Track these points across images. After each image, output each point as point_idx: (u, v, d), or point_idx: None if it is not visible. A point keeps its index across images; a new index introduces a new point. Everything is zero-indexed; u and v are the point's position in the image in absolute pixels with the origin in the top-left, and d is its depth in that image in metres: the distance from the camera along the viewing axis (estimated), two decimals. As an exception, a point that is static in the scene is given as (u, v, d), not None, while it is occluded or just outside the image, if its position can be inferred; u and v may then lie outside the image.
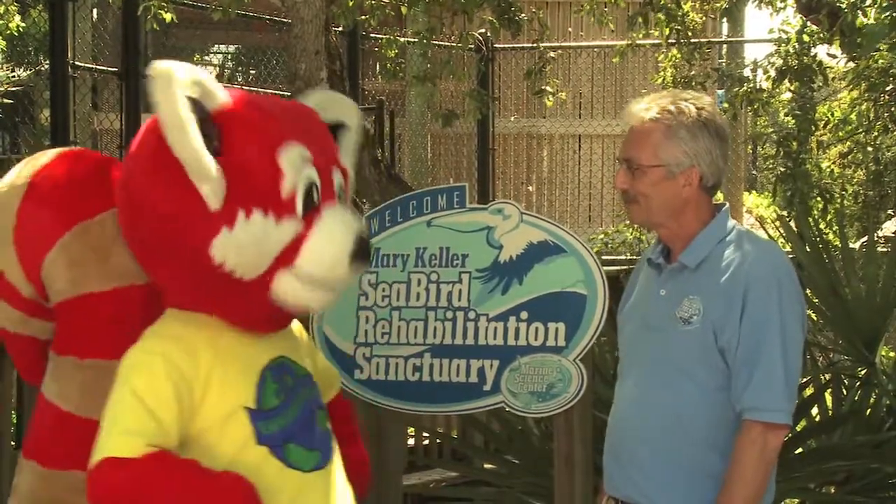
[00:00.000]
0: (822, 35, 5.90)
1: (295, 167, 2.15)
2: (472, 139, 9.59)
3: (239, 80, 12.64)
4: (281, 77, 8.88)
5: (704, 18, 7.37)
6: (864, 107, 7.47)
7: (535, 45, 6.39)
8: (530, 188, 11.64)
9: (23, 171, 2.40)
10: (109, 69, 6.80)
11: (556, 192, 11.75)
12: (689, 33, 6.80)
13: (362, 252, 2.17)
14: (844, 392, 4.27)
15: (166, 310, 2.27)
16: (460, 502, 4.25)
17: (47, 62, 6.29)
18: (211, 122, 2.14)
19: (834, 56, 6.47)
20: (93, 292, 2.33)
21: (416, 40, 6.05)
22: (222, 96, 2.17)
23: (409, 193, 3.58)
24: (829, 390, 4.34)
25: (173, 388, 2.11)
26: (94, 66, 6.95)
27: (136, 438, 2.06)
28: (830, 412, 4.26)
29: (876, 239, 4.56)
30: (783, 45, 6.71)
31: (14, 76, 9.51)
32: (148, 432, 2.07)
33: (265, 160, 2.14)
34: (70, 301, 2.35)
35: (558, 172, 11.71)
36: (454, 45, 7.36)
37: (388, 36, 6.15)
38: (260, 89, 8.11)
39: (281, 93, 7.74)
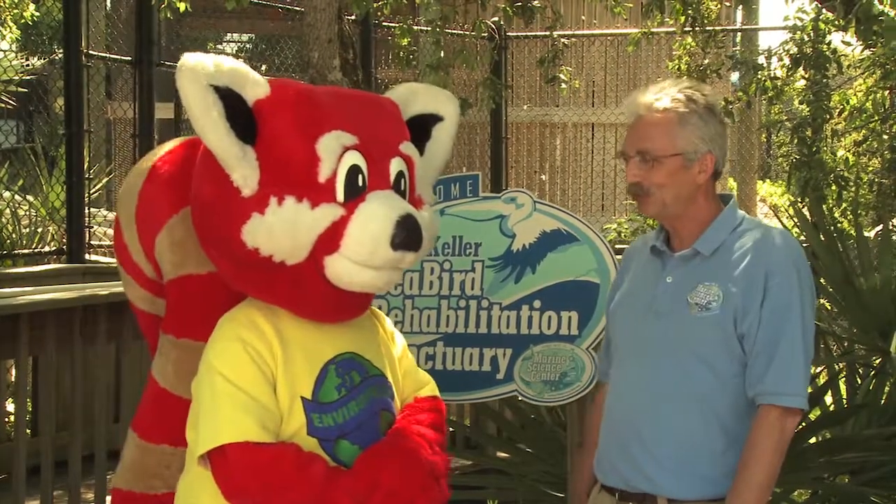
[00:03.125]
0: (837, 22, 5.86)
1: (333, 153, 2.14)
2: (485, 128, 9.58)
3: (260, 68, 12.63)
4: (294, 66, 8.87)
5: (719, 6, 7.33)
6: (879, 95, 7.43)
7: (548, 33, 6.37)
8: (543, 177, 11.63)
9: (151, 155, 2.49)
10: (123, 58, 6.81)
11: (569, 181, 11.73)
12: (704, 21, 6.77)
13: (404, 236, 2.14)
14: (859, 381, 4.26)
15: (247, 298, 2.29)
16: (473, 490, 4.25)
17: (61, 51, 6.30)
18: (248, 112, 2.15)
19: (849, 44, 6.42)
20: (191, 274, 2.38)
21: (429, 29, 6.04)
22: (260, 86, 2.18)
23: (422, 182, 3.58)
24: (843, 379, 4.33)
25: (259, 370, 2.14)
26: (107, 56, 6.96)
27: (248, 420, 2.09)
28: (845, 402, 4.25)
29: (891, 228, 4.54)
30: (798, 32, 6.67)
31: (28, 65, 9.53)
32: (254, 413, 2.11)
33: (300, 147, 2.14)
34: (173, 281, 2.40)
35: (571, 161, 11.70)
36: (467, 33, 7.35)
37: (401, 24, 6.14)
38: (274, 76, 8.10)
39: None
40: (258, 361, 2.15)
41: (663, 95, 2.46)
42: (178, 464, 2.32)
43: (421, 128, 2.45)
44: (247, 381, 2.13)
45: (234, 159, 2.12)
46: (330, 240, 2.14)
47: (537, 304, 3.26)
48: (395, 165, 2.25)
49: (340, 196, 2.15)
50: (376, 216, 2.14)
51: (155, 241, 2.40)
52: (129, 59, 6.57)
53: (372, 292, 2.29)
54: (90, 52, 6.20)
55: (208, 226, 2.23)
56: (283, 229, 2.12)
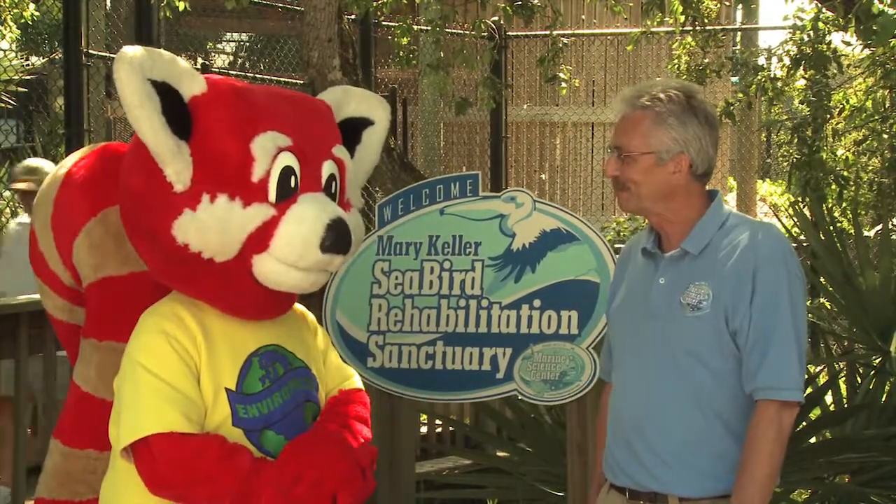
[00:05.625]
0: (837, 22, 5.86)
1: (267, 153, 2.17)
2: (484, 127, 9.57)
3: (259, 67, 12.64)
4: (294, 65, 8.87)
5: (719, 5, 7.33)
6: (879, 94, 7.43)
7: (547, 32, 6.37)
8: (543, 176, 11.63)
9: (65, 162, 2.51)
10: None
11: (569, 181, 11.73)
12: (704, 20, 6.77)
13: (334, 239, 2.18)
14: (859, 381, 4.26)
15: (171, 293, 2.30)
16: (473, 489, 4.25)
17: (61, 50, 6.30)
18: (185, 107, 2.17)
19: (849, 43, 6.42)
20: (111, 276, 2.40)
21: (428, 28, 6.04)
22: (198, 82, 2.20)
23: (422, 181, 3.58)
24: (843, 379, 4.34)
25: (182, 362, 2.17)
26: (107, 55, 6.95)
27: (172, 411, 2.11)
28: (845, 402, 4.25)
29: (891, 227, 4.54)
30: (798, 32, 6.67)
31: (28, 65, 9.53)
32: (178, 404, 2.12)
33: (235, 145, 2.17)
34: (92, 285, 2.42)
35: (571, 160, 11.70)
36: (467, 32, 7.35)
37: (400, 24, 6.14)
38: (272, 78, 8.11)
39: (294, 81, 7.76)
40: (181, 353, 2.17)
41: (645, 93, 2.48)
42: (103, 468, 2.33)
43: (352, 131, 2.49)
44: (170, 373, 2.14)
45: (169, 154, 2.13)
46: (260, 239, 2.17)
47: (537, 303, 3.26)
48: (328, 168, 2.28)
49: (272, 196, 2.18)
50: (307, 218, 2.17)
51: (73, 246, 2.42)
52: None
53: (297, 292, 2.32)
54: (90, 51, 6.19)
55: (138, 218, 2.24)
56: (214, 227, 2.14)
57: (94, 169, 2.44)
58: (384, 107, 2.57)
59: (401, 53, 6.04)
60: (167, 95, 2.15)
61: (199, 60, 8.29)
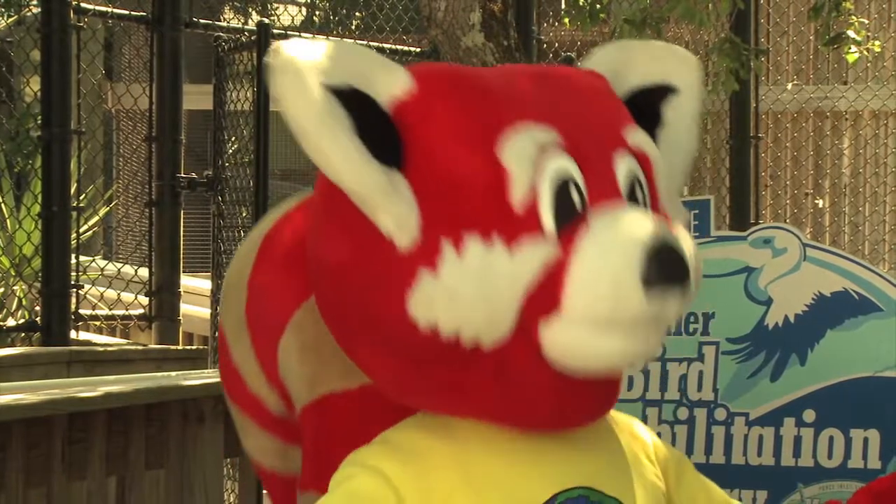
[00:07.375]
0: None
1: (527, 159, 2.16)
2: (720, 121, 9.55)
3: (347, 27, 12.90)
4: (404, 24, 9.03)
5: None
6: None
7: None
8: (820, 202, 11.53)
9: (260, 226, 2.63)
10: (133, 14, 7.01)
11: (866, 209, 11.59)
12: None
13: (662, 263, 2.13)
14: None
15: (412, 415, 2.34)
16: None
17: (36, 3, 6.53)
18: (384, 119, 2.21)
19: None
20: (332, 392, 2.46)
21: (627, -41, 6.10)
22: (398, 78, 2.24)
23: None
24: None
25: None
26: (109, 10, 7.17)
27: None
28: None
29: None
30: None
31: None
32: None
33: (475, 157, 2.18)
34: (307, 408, 2.50)
35: (869, 175, 11.58)
36: (690, -35, 7.38)
37: (581, -47, 6.21)
38: (369, 44, 8.24)
39: (405, 49, 7.88)
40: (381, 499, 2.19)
41: None
42: None
43: (644, 109, 2.46)
44: None
45: (380, 194, 2.15)
46: (545, 296, 2.14)
47: (809, 416, 3.26)
48: (624, 165, 2.26)
49: (549, 224, 2.16)
50: (612, 244, 2.13)
51: (277, 350, 2.50)
52: (144, 15, 6.76)
53: (619, 373, 2.31)
54: (82, 4, 6.39)
55: (345, 304, 2.27)
56: (471, 289, 2.13)
57: (301, 234, 2.50)
58: (690, 64, 2.54)
59: (581, 1, 6.09)
60: (356, 106, 2.19)
61: (255, 17, 8.51)
